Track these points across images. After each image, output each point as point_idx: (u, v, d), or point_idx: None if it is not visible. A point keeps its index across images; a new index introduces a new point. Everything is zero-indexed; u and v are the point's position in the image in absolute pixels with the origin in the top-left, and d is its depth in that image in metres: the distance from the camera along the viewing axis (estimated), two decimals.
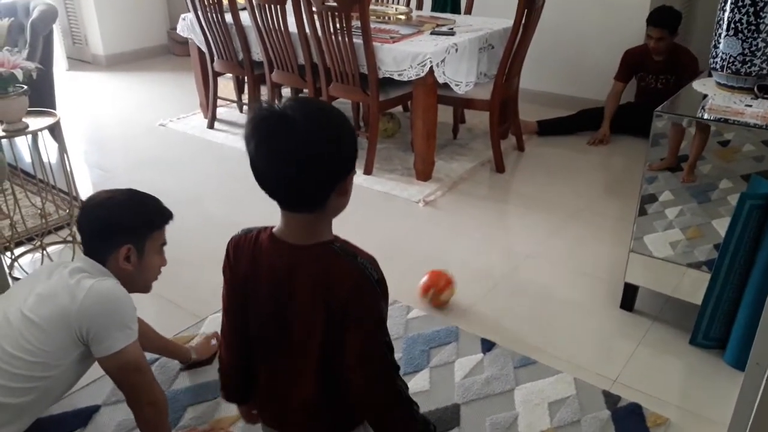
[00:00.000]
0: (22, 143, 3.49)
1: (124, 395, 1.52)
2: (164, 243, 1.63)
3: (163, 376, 1.92)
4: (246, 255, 1.15)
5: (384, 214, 3.00)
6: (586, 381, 1.91)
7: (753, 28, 1.92)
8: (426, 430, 1.22)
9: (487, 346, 2.06)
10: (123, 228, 1.54)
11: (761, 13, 1.90)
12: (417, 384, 1.90)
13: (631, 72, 3.79)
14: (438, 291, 2.26)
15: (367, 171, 3.35)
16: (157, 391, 1.55)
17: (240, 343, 1.23)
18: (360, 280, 1.06)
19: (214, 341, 2.03)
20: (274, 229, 1.13)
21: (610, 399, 1.84)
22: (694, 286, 2.04)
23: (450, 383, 1.91)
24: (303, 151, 0.99)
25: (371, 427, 1.19)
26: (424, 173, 3.29)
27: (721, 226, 1.95)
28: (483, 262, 2.62)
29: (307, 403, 1.17)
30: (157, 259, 1.62)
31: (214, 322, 2.18)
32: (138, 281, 1.59)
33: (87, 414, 1.80)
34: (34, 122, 2.42)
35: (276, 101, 1.05)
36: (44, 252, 2.54)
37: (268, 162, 1.01)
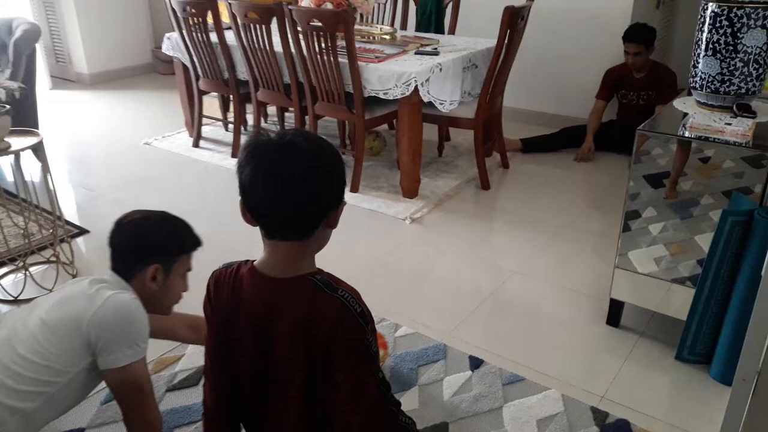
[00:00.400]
0: (5, 163, 3.45)
1: (122, 411, 1.50)
2: (189, 269, 1.64)
3: None
4: (226, 291, 1.12)
5: (370, 232, 3.00)
6: (574, 397, 1.91)
7: (731, 48, 1.96)
8: None
9: (476, 363, 2.06)
10: (156, 248, 1.56)
11: (738, 34, 1.94)
12: (406, 403, 1.89)
13: (612, 90, 3.86)
14: None
15: (354, 189, 3.36)
16: (154, 414, 1.53)
17: (225, 384, 1.19)
18: (342, 314, 1.03)
19: None
20: (255, 262, 1.11)
21: (599, 415, 1.84)
22: (678, 302, 2.06)
23: (439, 401, 1.90)
24: (306, 175, 1.00)
25: None
26: (410, 191, 3.31)
27: (704, 241, 1.98)
28: (469, 279, 2.62)
29: None
30: (181, 284, 1.62)
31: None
32: (160, 302, 1.60)
33: None
34: (16, 142, 2.40)
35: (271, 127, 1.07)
36: (27, 272, 2.51)
37: (264, 187, 1.01)
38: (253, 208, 1.04)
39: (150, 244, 1.55)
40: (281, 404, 1.13)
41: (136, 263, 1.54)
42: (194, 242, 1.62)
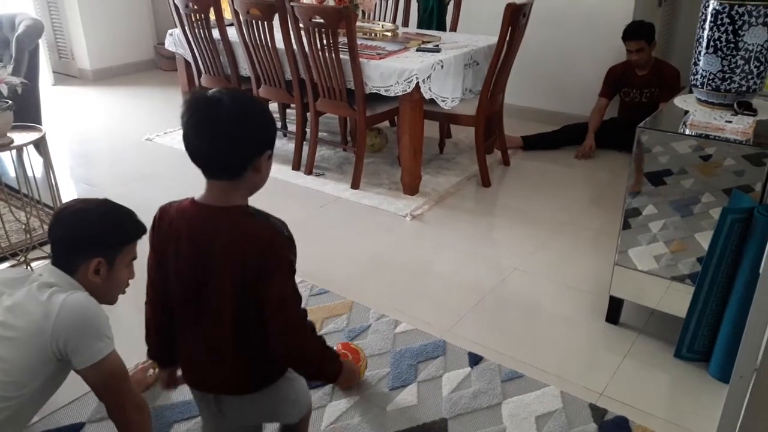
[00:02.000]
0: (7, 158, 3.46)
1: (107, 406, 1.50)
2: (134, 257, 1.60)
3: (148, 393, 1.90)
4: (168, 218, 1.29)
5: (371, 228, 3.01)
6: (573, 394, 1.92)
7: (732, 45, 1.96)
8: (333, 354, 1.36)
9: (475, 359, 2.07)
10: (96, 241, 1.51)
11: (740, 32, 1.94)
12: (405, 398, 1.90)
13: (614, 88, 3.86)
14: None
15: (355, 185, 3.36)
16: (139, 397, 1.54)
17: (161, 301, 1.35)
18: (272, 235, 1.21)
19: (150, 372, 1.96)
20: (195, 197, 1.28)
21: (597, 412, 1.85)
22: (678, 299, 2.06)
23: (438, 397, 1.91)
24: (223, 126, 1.18)
25: (293, 368, 1.34)
26: (410, 187, 3.31)
27: (704, 239, 1.98)
28: (470, 275, 2.63)
29: (226, 362, 1.29)
30: (126, 273, 1.59)
31: None
32: (104, 294, 1.56)
33: None
34: (19, 137, 2.41)
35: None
36: (28, 267, 2.52)
37: (196, 132, 1.19)
38: (189, 153, 1.22)
39: (90, 237, 1.51)
40: (213, 319, 1.27)
41: (77, 257, 1.50)
42: (137, 231, 1.57)
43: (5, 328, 1.41)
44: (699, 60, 2.06)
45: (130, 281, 1.62)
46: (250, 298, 1.22)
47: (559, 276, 2.59)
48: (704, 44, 2.02)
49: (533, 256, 2.76)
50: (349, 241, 2.83)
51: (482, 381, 1.97)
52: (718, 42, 1.98)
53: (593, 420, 1.82)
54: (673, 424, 1.83)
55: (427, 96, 3.08)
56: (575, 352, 2.15)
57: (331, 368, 1.35)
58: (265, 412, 1.43)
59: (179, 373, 1.45)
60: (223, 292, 1.23)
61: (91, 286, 1.52)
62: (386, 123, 4.02)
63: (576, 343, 2.19)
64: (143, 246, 1.63)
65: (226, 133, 1.18)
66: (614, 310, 2.26)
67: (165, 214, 1.31)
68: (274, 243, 1.21)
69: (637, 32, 3.61)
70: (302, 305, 1.28)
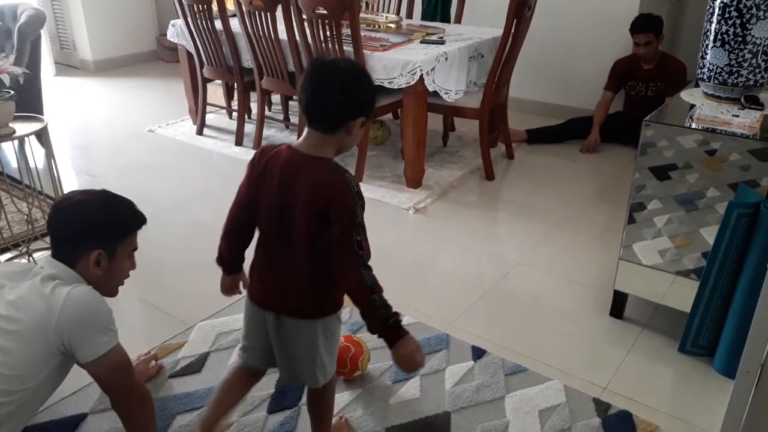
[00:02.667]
0: (9, 149, 3.45)
1: (112, 398, 1.50)
2: (135, 248, 1.59)
3: (151, 384, 1.90)
4: (266, 156, 1.44)
5: (374, 221, 2.96)
6: (577, 389, 1.91)
7: (740, 39, 1.94)
8: (387, 315, 1.40)
9: (478, 353, 2.06)
10: (96, 233, 1.50)
11: (747, 25, 1.92)
12: (407, 391, 1.90)
13: (620, 82, 3.84)
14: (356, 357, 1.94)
15: (358, 178, 3.35)
16: (143, 388, 1.54)
17: (243, 218, 1.49)
18: (344, 188, 1.36)
19: (152, 363, 1.96)
20: (293, 143, 1.42)
21: (601, 406, 1.84)
22: (683, 294, 2.05)
23: (441, 391, 1.91)
24: (335, 82, 1.36)
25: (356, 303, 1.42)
26: (414, 180, 3.30)
27: (709, 234, 1.97)
28: (473, 269, 2.62)
29: (296, 285, 1.43)
30: (127, 264, 1.58)
31: (202, 330, 2.16)
32: (105, 285, 1.55)
33: (74, 422, 1.77)
34: (20, 127, 2.40)
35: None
36: (30, 258, 2.51)
37: (307, 88, 1.36)
38: (301, 103, 1.38)
39: (90, 229, 1.49)
40: (290, 246, 1.41)
41: (77, 249, 1.49)
42: (137, 222, 1.56)
43: (8, 322, 1.40)
44: (706, 53, 2.04)
45: (131, 272, 1.61)
46: (321, 234, 1.37)
47: (563, 270, 2.58)
48: (712, 38, 2.00)
49: (537, 250, 2.75)
50: None
51: (485, 374, 1.97)
52: (725, 35, 1.96)
53: (597, 414, 1.81)
54: (676, 418, 1.82)
55: (430, 88, 3.06)
56: (579, 347, 2.14)
57: (386, 317, 1.40)
58: (307, 348, 1.48)
59: (241, 285, 1.61)
60: (301, 226, 1.38)
61: (93, 277, 1.51)
62: (389, 116, 4.01)
63: (580, 337, 2.19)
64: (145, 237, 1.63)
65: (335, 88, 1.35)
66: (618, 305, 2.25)
67: (264, 153, 1.45)
68: (344, 195, 1.35)
69: (645, 25, 3.59)
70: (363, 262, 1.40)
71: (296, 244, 1.41)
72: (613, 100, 3.88)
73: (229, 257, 1.59)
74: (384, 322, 1.40)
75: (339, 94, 1.37)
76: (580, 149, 3.83)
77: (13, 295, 1.43)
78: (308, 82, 1.38)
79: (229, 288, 1.63)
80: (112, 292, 1.59)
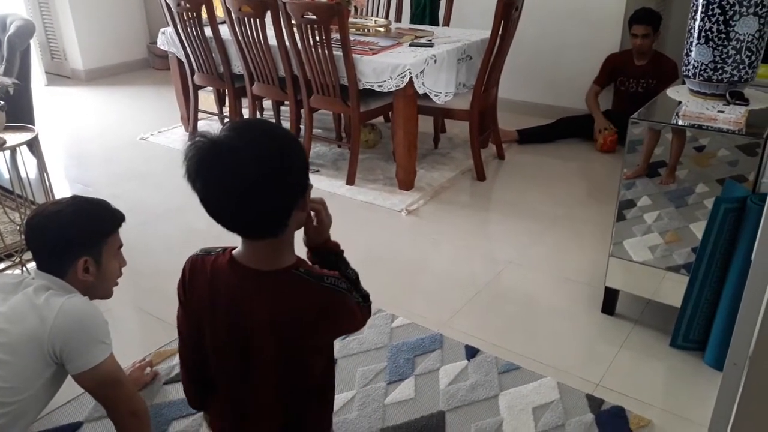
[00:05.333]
0: (0, 159, 3.45)
1: (105, 409, 1.50)
2: (120, 245, 1.58)
3: (146, 391, 1.91)
4: (202, 279, 1.13)
5: (367, 224, 3.01)
6: (570, 385, 1.93)
7: (723, 36, 1.97)
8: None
9: (471, 352, 2.07)
10: (76, 242, 1.49)
11: (731, 22, 1.94)
12: (402, 392, 1.91)
13: (611, 76, 3.87)
14: None
15: (350, 181, 3.36)
16: (137, 401, 1.53)
17: (194, 364, 1.26)
18: (328, 300, 1.09)
19: (148, 370, 1.97)
20: (234, 253, 1.11)
21: (594, 402, 1.86)
22: (673, 290, 2.07)
23: (435, 390, 1.92)
24: (260, 181, 0.96)
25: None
26: (406, 183, 3.31)
27: (699, 229, 1.99)
28: (465, 269, 2.63)
29: (264, 424, 1.19)
30: (116, 263, 1.58)
31: None
32: (99, 289, 1.55)
33: (69, 431, 1.77)
34: (11, 137, 2.40)
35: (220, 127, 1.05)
36: (24, 268, 2.51)
37: (222, 199, 0.99)
38: (219, 220, 1.03)
39: (69, 240, 1.48)
40: (255, 380, 1.16)
41: (62, 261, 1.48)
42: (115, 221, 1.55)
43: (1, 334, 1.39)
44: (691, 51, 2.06)
45: (123, 269, 1.61)
46: (297, 361, 1.11)
47: (555, 268, 2.60)
48: (696, 35, 2.03)
49: (529, 249, 2.76)
50: (344, 236, 2.80)
51: (479, 373, 1.98)
52: (709, 32, 1.99)
53: (590, 410, 1.83)
54: (669, 412, 1.84)
55: (420, 91, 3.08)
56: (571, 344, 2.16)
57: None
58: None
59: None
60: (266, 362, 1.11)
61: (84, 285, 1.51)
62: (381, 119, 4.02)
63: (572, 334, 2.20)
64: (138, 244, 1.63)
65: (263, 193, 0.97)
66: (610, 302, 2.27)
67: (198, 271, 1.14)
68: (334, 304, 1.09)
69: (646, 17, 3.63)
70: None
71: (261, 382, 1.14)
72: (600, 94, 3.91)
73: (194, 399, 1.37)
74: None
75: (272, 186, 0.97)
76: (598, 148, 3.80)
77: (5, 307, 1.42)
78: (209, 187, 0.99)
79: (213, 425, 1.39)
80: (107, 294, 1.59)
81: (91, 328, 1.44)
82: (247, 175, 0.96)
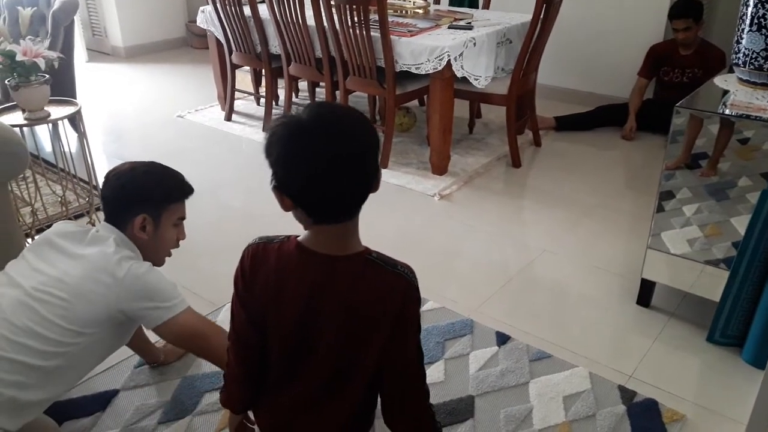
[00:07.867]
0: (43, 132, 3.53)
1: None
2: (183, 217, 1.64)
3: (180, 363, 1.95)
4: (267, 267, 1.09)
5: (399, 208, 3.00)
6: (602, 376, 1.91)
7: None
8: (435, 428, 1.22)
9: (502, 339, 2.06)
10: (140, 197, 1.56)
11: None
12: (432, 375, 1.91)
13: (655, 67, 3.77)
14: None
15: (383, 164, 3.36)
16: (221, 353, 1.45)
17: (251, 360, 1.19)
18: (408, 291, 1.05)
19: None
20: (299, 239, 1.08)
21: (626, 394, 1.83)
22: (711, 283, 2.03)
23: (464, 375, 1.91)
24: (364, 153, 0.98)
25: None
26: (439, 167, 3.29)
27: (740, 223, 1.94)
28: (498, 256, 2.61)
29: (322, 419, 1.15)
30: (173, 232, 1.63)
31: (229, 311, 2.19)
32: (152, 252, 1.60)
33: (106, 398, 1.82)
34: (55, 111, 2.45)
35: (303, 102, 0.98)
36: None
37: (311, 177, 0.96)
38: (297, 200, 0.99)
39: (133, 193, 1.56)
40: (317, 376, 1.13)
41: (124, 214, 1.55)
42: (182, 191, 1.61)
43: (73, 278, 1.44)
44: (741, 38, 2.00)
45: (180, 242, 1.66)
46: (368, 357, 1.07)
47: (590, 258, 2.56)
48: (747, 21, 1.96)
49: (563, 238, 2.73)
50: (376, 220, 2.83)
51: (510, 360, 1.97)
52: (762, 19, 1.91)
53: (622, 401, 1.81)
54: (703, 408, 1.81)
55: (459, 74, 3.05)
56: (605, 334, 2.13)
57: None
58: None
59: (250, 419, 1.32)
60: (333, 351, 1.08)
61: (139, 242, 1.57)
62: (415, 102, 4.00)
63: (605, 324, 2.18)
64: (194, 207, 1.65)
65: (355, 171, 0.97)
66: (646, 293, 2.23)
67: (260, 261, 1.10)
68: (408, 299, 1.05)
69: (685, 10, 3.51)
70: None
71: (326, 374, 1.11)
72: (647, 86, 3.82)
73: (238, 401, 1.26)
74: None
75: (363, 164, 0.97)
76: (621, 135, 3.77)
77: (83, 254, 1.48)
78: (305, 170, 0.94)
79: (237, 427, 1.33)
80: (158, 262, 1.64)
81: (155, 294, 1.48)
82: (360, 143, 0.97)
